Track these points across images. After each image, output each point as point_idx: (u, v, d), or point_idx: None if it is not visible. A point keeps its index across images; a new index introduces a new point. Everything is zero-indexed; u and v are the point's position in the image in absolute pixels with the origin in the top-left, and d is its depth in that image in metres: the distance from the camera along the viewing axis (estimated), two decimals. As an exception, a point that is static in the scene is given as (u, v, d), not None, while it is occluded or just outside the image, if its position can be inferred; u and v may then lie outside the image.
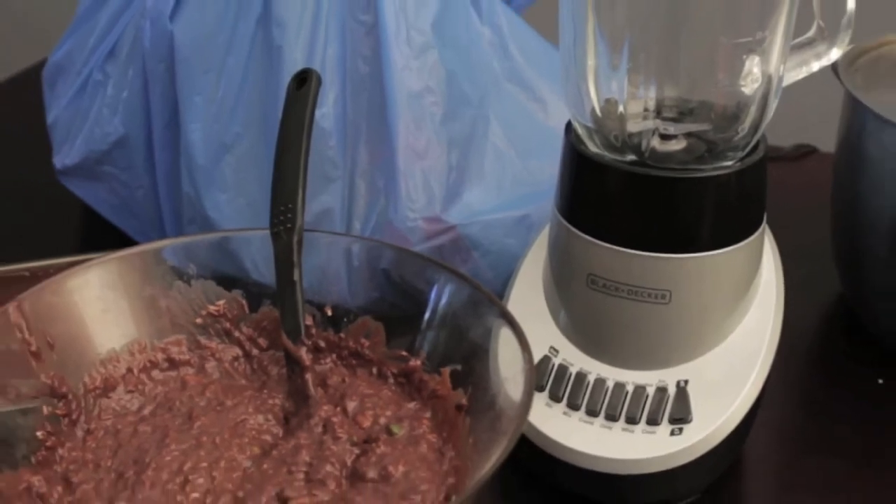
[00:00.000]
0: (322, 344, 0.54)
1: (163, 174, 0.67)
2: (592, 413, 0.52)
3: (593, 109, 0.53)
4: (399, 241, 0.61)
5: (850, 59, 0.66)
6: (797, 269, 0.60)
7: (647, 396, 0.52)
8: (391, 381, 0.53)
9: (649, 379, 0.53)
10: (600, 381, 0.53)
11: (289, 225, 0.53)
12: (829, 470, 0.58)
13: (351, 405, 0.51)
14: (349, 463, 0.48)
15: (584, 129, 0.53)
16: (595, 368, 0.54)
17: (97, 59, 0.69)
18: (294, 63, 0.61)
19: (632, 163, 0.51)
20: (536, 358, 0.52)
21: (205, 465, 0.48)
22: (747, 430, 0.54)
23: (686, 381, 0.52)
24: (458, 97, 0.64)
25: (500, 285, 0.59)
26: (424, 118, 0.63)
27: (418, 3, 0.63)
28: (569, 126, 0.54)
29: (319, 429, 0.50)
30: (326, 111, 0.62)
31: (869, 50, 0.68)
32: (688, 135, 0.52)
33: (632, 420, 0.52)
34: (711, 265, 0.52)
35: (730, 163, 0.52)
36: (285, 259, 0.53)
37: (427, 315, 0.53)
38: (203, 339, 0.55)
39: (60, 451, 0.49)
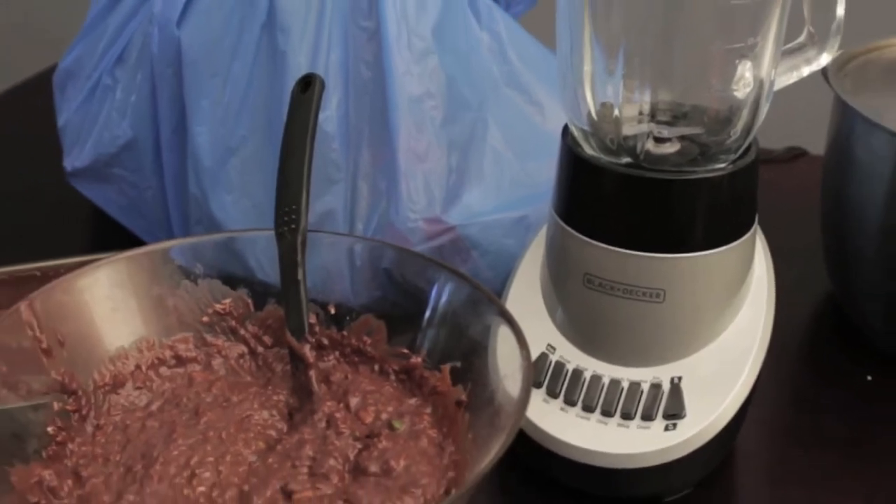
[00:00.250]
0: (325, 341, 0.54)
1: (170, 176, 0.67)
2: (589, 409, 0.52)
3: (589, 113, 0.53)
4: (400, 241, 0.61)
5: (839, 64, 0.66)
6: (788, 269, 0.60)
7: (641, 393, 0.52)
8: (392, 377, 0.53)
9: (644, 375, 0.53)
10: (596, 378, 0.53)
11: (293, 225, 0.53)
12: (818, 464, 0.58)
13: (353, 401, 0.51)
14: (352, 457, 0.48)
15: (581, 132, 0.53)
16: (591, 365, 0.54)
17: (106, 64, 0.69)
18: (298, 68, 0.61)
19: (627, 165, 0.51)
20: (534, 355, 0.52)
21: (211, 459, 0.48)
22: (739, 425, 0.54)
23: (680, 378, 0.53)
24: (457, 101, 0.64)
25: (499, 284, 0.59)
26: (425, 122, 0.63)
27: (419, 9, 0.63)
28: (565, 129, 0.54)
29: (323, 424, 0.50)
30: (329, 115, 0.62)
31: (858, 55, 0.68)
32: (681, 138, 0.52)
33: (627, 416, 0.52)
34: (704, 265, 0.52)
35: (722, 165, 0.52)
36: (289, 259, 0.53)
37: (428, 313, 0.53)
38: (209, 337, 0.55)
39: (70, 445, 0.49)
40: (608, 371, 0.53)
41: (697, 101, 0.53)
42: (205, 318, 0.55)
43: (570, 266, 0.53)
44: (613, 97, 0.52)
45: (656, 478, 0.52)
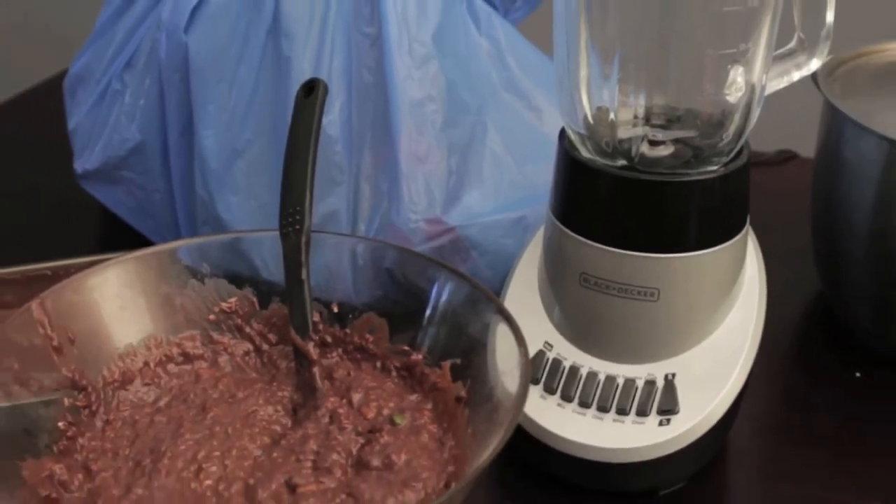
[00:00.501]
0: (329, 339, 0.54)
1: (178, 178, 0.67)
2: (585, 405, 0.52)
3: (586, 117, 0.53)
4: (401, 241, 0.61)
5: (828, 70, 0.66)
6: (779, 269, 0.60)
7: (636, 389, 0.52)
8: (394, 374, 0.53)
9: (639, 372, 0.53)
10: (592, 375, 0.53)
11: (297, 226, 0.53)
12: (808, 459, 0.58)
13: (356, 397, 0.51)
14: (354, 452, 0.48)
15: (577, 135, 0.53)
16: (587, 362, 0.54)
17: (115, 69, 0.69)
18: (302, 73, 0.62)
19: (622, 167, 0.51)
20: (532, 352, 0.52)
21: (217, 453, 0.48)
22: (731, 421, 0.54)
23: (673, 375, 0.53)
24: (457, 105, 0.64)
25: (498, 283, 0.59)
26: (426, 125, 0.63)
27: (420, 15, 0.63)
28: (562, 133, 0.54)
29: (326, 419, 0.50)
30: (333, 118, 0.62)
31: (847, 60, 0.68)
32: (675, 141, 0.52)
33: (622, 411, 0.52)
34: (698, 264, 0.52)
35: (715, 167, 0.52)
36: (294, 258, 0.53)
37: (428, 312, 0.53)
38: (216, 335, 0.55)
39: (81, 440, 0.49)
40: (604, 368, 0.53)
41: (691, 105, 0.53)
42: (211, 317, 0.55)
43: (566, 266, 0.53)
44: (609, 101, 0.52)
45: (651, 472, 0.52)
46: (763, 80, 0.52)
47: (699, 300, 0.53)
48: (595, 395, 0.52)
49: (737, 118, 0.52)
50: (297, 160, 0.54)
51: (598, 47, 0.51)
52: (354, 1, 0.63)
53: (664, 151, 0.52)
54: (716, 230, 0.52)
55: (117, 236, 0.73)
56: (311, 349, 0.53)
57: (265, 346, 0.55)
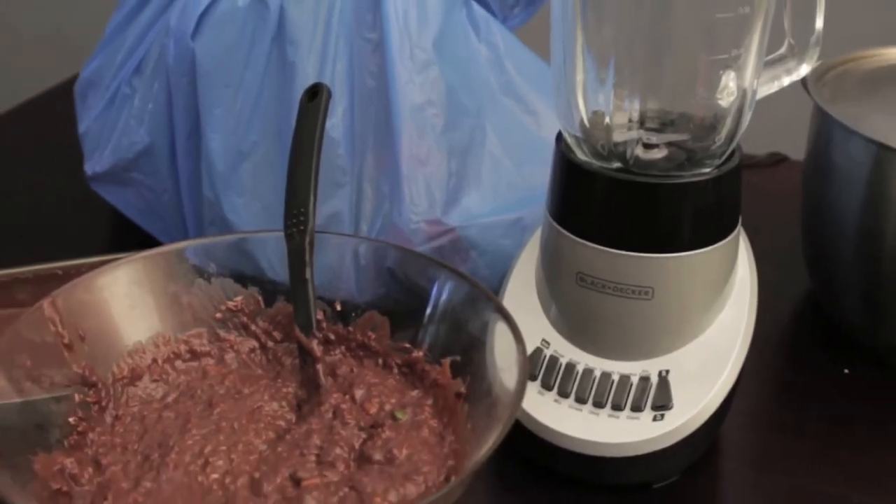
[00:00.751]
0: (332, 337, 0.54)
1: (185, 180, 0.67)
2: (581, 400, 0.52)
3: (582, 121, 0.53)
4: (403, 241, 0.61)
5: (818, 75, 0.66)
6: (770, 269, 0.60)
7: (631, 385, 0.52)
8: (395, 370, 0.53)
9: (633, 369, 0.53)
10: (588, 371, 0.53)
11: (301, 227, 0.53)
12: (798, 452, 0.58)
13: (358, 393, 0.51)
14: (357, 446, 0.48)
15: (574, 138, 0.53)
16: (583, 359, 0.54)
17: (125, 74, 0.69)
18: (306, 78, 0.62)
19: (617, 170, 0.51)
20: (529, 349, 0.52)
21: (224, 448, 0.48)
22: (724, 416, 0.54)
23: (667, 371, 0.53)
24: (457, 109, 0.64)
25: (497, 283, 0.59)
26: (426, 128, 0.63)
27: (420, 22, 0.63)
28: (559, 136, 0.54)
29: (329, 415, 0.50)
30: (336, 122, 0.62)
31: (836, 66, 0.68)
32: (669, 144, 0.52)
33: (617, 407, 0.52)
34: (691, 264, 0.52)
35: (707, 170, 0.52)
36: (298, 258, 0.53)
37: (429, 310, 0.53)
38: (222, 333, 0.55)
39: (91, 435, 0.49)
40: (599, 365, 0.53)
41: (684, 109, 0.53)
42: (218, 315, 0.55)
43: (563, 265, 0.53)
44: (604, 105, 0.52)
45: (645, 465, 0.52)
46: (754, 85, 0.52)
47: (692, 299, 0.53)
48: (591, 391, 0.52)
49: (729, 122, 0.52)
50: (302, 163, 0.54)
51: (593, 53, 0.51)
52: (357, 8, 0.63)
53: (658, 154, 0.52)
54: (708, 231, 0.52)
55: (126, 236, 0.73)
56: (315, 346, 0.53)
57: (270, 344, 0.55)
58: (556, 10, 0.52)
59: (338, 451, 0.48)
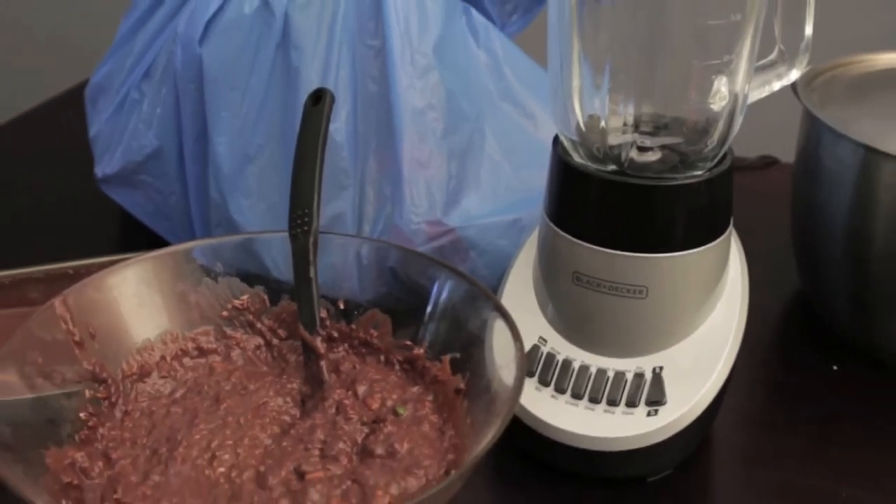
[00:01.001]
0: (335, 334, 0.54)
1: (193, 182, 0.67)
2: (577, 396, 0.52)
3: (578, 124, 0.53)
4: (404, 242, 0.61)
5: (807, 80, 0.66)
6: (761, 268, 0.60)
7: (626, 381, 0.52)
8: (397, 367, 0.53)
9: (628, 366, 0.53)
10: (584, 368, 0.53)
11: (305, 227, 0.53)
12: (788, 447, 0.58)
13: (361, 389, 0.51)
14: (359, 441, 0.48)
15: (570, 142, 0.53)
16: (580, 356, 0.54)
17: (134, 79, 0.69)
18: (310, 83, 0.62)
19: (612, 172, 0.51)
20: (527, 347, 0.52)
21: (230, 442, 0.48)
22: (716, 411, 0.54)
23: (661, 368, 0.53)
24: (457, 113, 0.64)
25: (495, 282, 0.59)
26: (427, 132, 0.63)
27: (421, 29, 0.63)
28: (556, 139, 0.54)
29: (333, 410, 0.50)
30: (339, 126, 0.62)
31: (825, 71, 0.69)
32: (662, 147, 0.52)
33: (612, 402, 0.52)
34: (684, 264, 0.52)
35: (700, 172, 0.52)
36: (302, 258, 0.53)
37: (429, 308, 0.53)
38: (229, 330, 0.55)
39: (101, 430, 0.49)
40: (595, 361, 0.53)
41: (677, 113, 0.53)
42: (224, 313, 0.55)
43: (560, 265, 0.53)
44: (600, 110, 0.52)
45: (640, 459, 0.52)
46: (745, 90, 0.52)
47: (685, 297, 0.53)
48: (587, 387, 0.52)
49: (721, 125, 0.52)
50: (306, 165, 0.54)
51: (589, 59, 0.51)
52: (359, 15, 0.63)
53: (652, 157, 0.52)
54: (701, 231, 0.52)
55: (135, 237, 0.73)
56: (319, 344, 0.53)
57: (275, 341, 0.55)
58: (553, 18, 0.52)
59: (341, 445, 0.47)
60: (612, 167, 0.52)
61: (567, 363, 0.53)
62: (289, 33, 0.62)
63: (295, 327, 0.54)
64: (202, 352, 0.54)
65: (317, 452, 0.47)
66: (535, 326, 0.55)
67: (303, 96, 0.58)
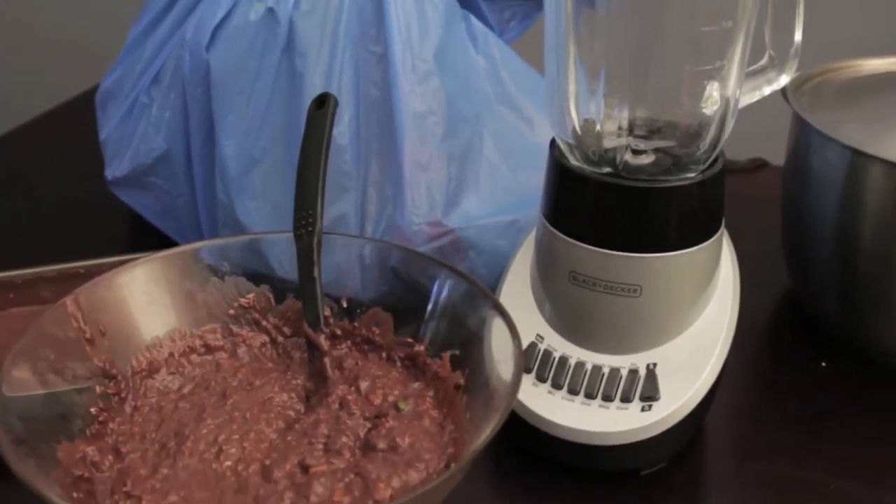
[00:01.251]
0: (338, 332, 0.54)
1: (200, 184, 0.67)
2: (573, 392, 0.52)
3: (574, 128, 0.53)
4: (405, 242, 0.61)
5: (797, 85, 0.66)
6: (752, 268, 0.60)
7: (620, 377, 0.52)
8: (398, 364, 0.53)
9: (623, 362, 0.53)
10: (580, 365, 0.53)
11: (309, 228, 0.53)
12: (778, 441, 0.58)
13: (363, 385, 0.51)
14: (362, 435, 0.48)
15: (566, 145, 0.53)
16: (576, 353, 0.54)
17: (143, 84, 0.69)
18: (314, 88, 0.62)
19: (607, 174, 0.51)
20: (524, 344, 0.52)
21: (237, 437, 0.48)
22: (708, 406, 0.54)
23: (655, 365, 0.53)
24: (456, 117, 0.64)
25: (494, 281, 0.59)
26: (427, 136, 0.63)
27: (422, 35, 0.63)
28: (553, 142, 0.54)
29: (336, 405, 0.50)
30: (342, 130, 0.62)
31: (814, 76, 0.69)
32: (656, 150, 0.52)
33: (608, 398, 0.52)
34: (677, 263, 0.52)
35: (692, 175, 0.52)
36: (306, 258, 0.53)
37: (430, 307, 0.53)
38: (235, 328, 0.55)
39: (111, 424, 0.49)
40: (591, 358, 0.53)
41: (670, 117, 0.53)
42: (231, 311, 0.55)
43: (556, 264, 0.53)
44: (595, 114, 0.52)
45: (634, 453, 0.52)
46: (737, 95, 0.52)
47: (678, 296, 0.53)
48: (583, 383, 0.52)
49: (713, 129, 0.52)
50: (310, 168, 0.54)
51: (585, 64, 0.51)
52: (362, 22, 0.63)
53: (646, 160, 0.52)
54: (693, 232, 0.52)
55: (144, 237, 0.73)
56: (323, 341, 0.53)
57: (280, 339, 0.55)
58: (549, 25, 0.52)
59: (344, 439, 0.48)
60: (607, 170, 0.52)
61: (563, 360, 0.53)
62: (293, 40, 0.62)
63: (299, 325, 0.54)
64: (209, 349, 0.54)
65: (321, 446, 0.47)
66: (532, 324, 0.55)
67: (307, 101, 0.58)
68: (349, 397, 0.50)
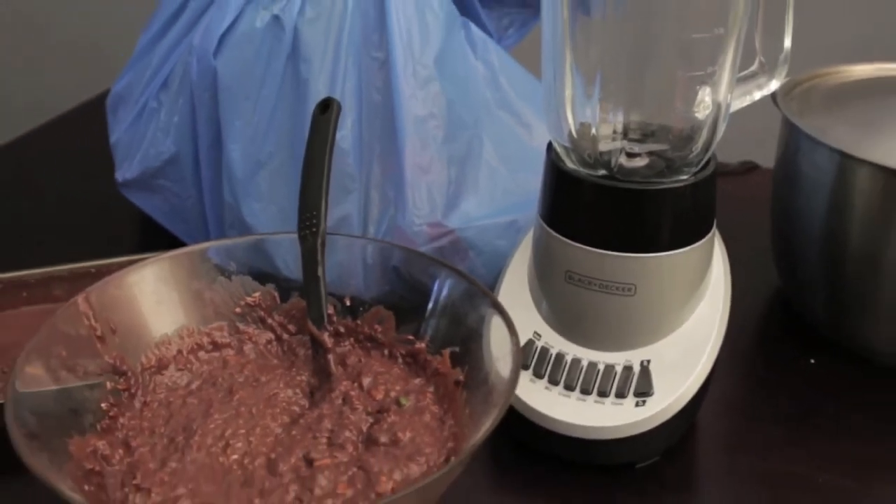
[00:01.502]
0: (342, 329, 0.54)
1: (207, 186, 0.67)
2: (570, 388, 0.52)
3: (570, 132, 0.53)
4: (407, 242, 0.61)
5: (786, 90, 0.66)
6: (743, 267, 0.60)
7: (615, 374, 0.52)
8: (400, 360, 0.53)
9: (617, 359, 0.53)
10: (576, 361, 0.53)
11: (314, 229, 0.53)
12: (769, 436, 0.58)
13: (366, 381, 0.51)
14: (364, 430, 0.48)
15: (563, 148, 0.53)
16: (572, 350, 0.54)
17: (152, 89, 0.69)
18: (318, 93, 0.62)
19: (602, 177, 0.51)
20: (522, 341, 0.52)
21: (243, 431, 0.48)
22: (700, 402, 0.54)
23: (648, 361, 0.53)
24: (456, 121, 0.64)
25: (492, 280, 0.59)
26: (428, 139, 0.63)
27: (423, 42, 0.63)
28: (549, 146, 0.54)
29: (339, 401, 0.50)
30: (345, 133, 0.62)
31: (803, 82, 0.69)
32: (650, 153, 0.52)
33: (603, 394, 0.52)
34: (670, 263, 0.52)
35: (685, 177, 0.52)
36: (311, 258, 0.53)
37: (430, 305, 0.53)
38: (241, 326, 0.55)
39: (121, 419, 0.49)
40: (586, 355, 0.53)
41: (664, 121, 0.53)
42: (237, 309, 0.55)
43: (553, 264, 0.53)
44: (591, 118, 0.52)
45: (628, 447, 0.52)
46: (728, 99, 0.52)
47: (671, 295, 0.53)
48: (579, 379, 0.52)
49: (704, 133, 0.52)
50: (314, 170, 0.54)
51: (581, 70, 0.51)
52: (364, 29, 0.63)
53: (640, 163, 0.52)
54: (686, 233, 0.52)
55: (154, 238, 0.73)
56: (327, 338, 0.53)
57: (285, 336, 0.55)
58: (546, 32, 0.52)
59: (347, 434, 0.47)
60: (602, 172, 0.52)
61: (560, 357, 0.53)
62: (298, 46, 0.62)
63: (304, 323, 0.54)
64: (216, 346, 0.54)
65: (324, 441, 0.47)
66: (529, 322, 0.55)
67: (311, 105, 0.58)
68: (352, 393, 0.50)
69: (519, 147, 0.66)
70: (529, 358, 0.54)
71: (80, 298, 0.49)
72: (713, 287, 0.55)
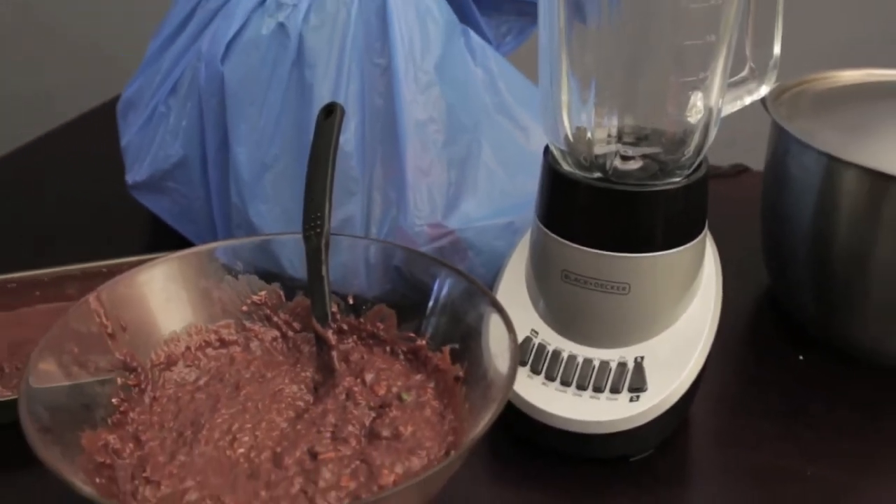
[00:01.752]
0: (345, 327, 0.54)
1: (215, 188, 0.67)
2: (566, 383, 0.52)
3: (566, 136, 0.53)
4: (408, 243, 0.61)
5: (776, 95, 0.66)
6: (733, 267, 0.60)
7: (610, 370, 0.52)
8: (401, 357, 0.53)
9: (612, 356, 0.53)
10: (572, 358, 0.53)
11: (318, 230, 0.53)
12: (760, 430, 0.58)
13: (369, 377, 0.51)
14: (367, 424, 0.48)
15: (559, 151, 0.53)
16: (568, 347, 0.54)
17: (161, 94, 0.69)
18: (322, 98, 0.62)
19: (598, 179, 0.51)
20: (520, 339, 0.52)
21: (249, 426, 0.48)
22: (692, 397, 0.54)
23: (642, 358, 0.53)
24: (456, 125, 0.64)
25: (491, 279, 0.59)
26: (429, 143, 0.63)
27: (424, 48, 0.63)
28: (546, 149, 0.54)
29: (343, 396, 0.50)
30: (348, 137, 0.62)
31: (792, 87, 0.69)
32: (643, 156, 0.52)
33: (598, 389, 0.52)
34: (663, 263, 0.52)
35: (678, 179, 0.52)
36: (315, 257, 0.53)
37: (431, 303, 0.53)
38: (248, 323, 0.55)
39: (131, 414, 0.49)
40: (582, 352, 0.53)
41: (657, 125, 0.53)
42: (244, 308, 0.55)
43: (550, 264, 0.53)
44: (587, 122, 0.52)
45: (623, 441, 0.52)
46: (719, 104, 0.52)
47: (665, 294, 0.53)
48: (574, 375, 0.52)
49: (697, 136, 0.52)
50: (318, 173, 0.54)
51: (577, 76, 0.51)
52: (367, 36, 0.63)
53: (634, 165, 0.52)
54: (679, 233, 0.52)
55: (163, 238, 0.73)
56: (330, 336, 0.53)
57: (290, 333, 0.55)
58: (543, 39, 0.52)
59: (350, 428, 0.48)
60: (597, 175, 0.52)
61: (556, 353, 0.53)
62: (303, 53, 0.62)
63: (308, 321, 0.54)
64: (224, 343, 0.54)
65: (328, 435, 0.47)
66: (527, 320, 0.55)
67: (316, 110, 0.58)
68: (355, 388, 0.50)
69: (517, 150, 0.66)
70: (527, 355, 0.54)
71: (91, 297, 0.49)
72: (705, 286, 0.55)
